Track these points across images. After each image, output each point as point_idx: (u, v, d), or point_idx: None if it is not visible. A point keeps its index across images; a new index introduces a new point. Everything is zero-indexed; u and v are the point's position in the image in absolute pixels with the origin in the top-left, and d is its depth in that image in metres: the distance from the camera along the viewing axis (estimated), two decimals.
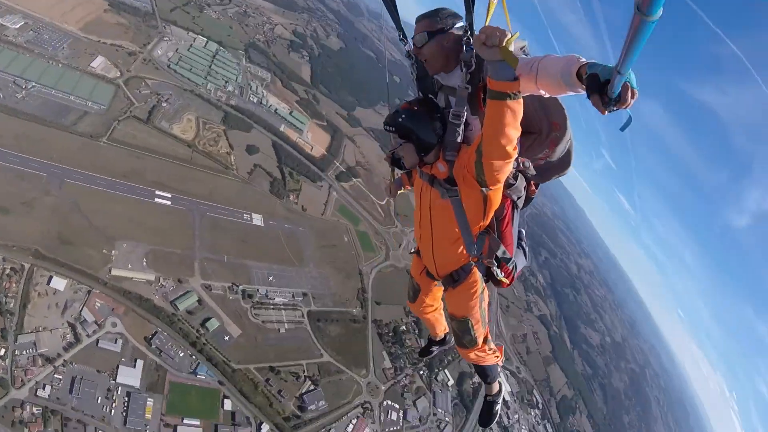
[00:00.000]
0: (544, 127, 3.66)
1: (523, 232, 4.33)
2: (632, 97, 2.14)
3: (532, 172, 3.83)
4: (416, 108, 3.65)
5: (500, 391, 5.30)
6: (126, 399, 40.34)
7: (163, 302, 46.44)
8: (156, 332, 44.44)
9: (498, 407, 5.34)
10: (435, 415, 62.47)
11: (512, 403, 75.86)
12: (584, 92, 2.37)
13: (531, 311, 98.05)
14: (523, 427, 75.21)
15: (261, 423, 46.44)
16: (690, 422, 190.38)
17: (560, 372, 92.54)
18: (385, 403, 57.44)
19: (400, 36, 3.82)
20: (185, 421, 42.43)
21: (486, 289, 4.28)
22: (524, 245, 4.30)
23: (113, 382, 40.61)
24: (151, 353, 43.52)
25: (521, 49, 3.05)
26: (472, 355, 4.54)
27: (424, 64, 3.67)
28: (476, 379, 70.13)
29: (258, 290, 54.26)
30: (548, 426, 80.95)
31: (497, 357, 4.75)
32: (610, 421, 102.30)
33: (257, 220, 61.03)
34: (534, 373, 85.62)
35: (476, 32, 3.08)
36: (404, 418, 58.53)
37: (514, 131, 2.87)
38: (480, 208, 3.61)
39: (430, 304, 5.08)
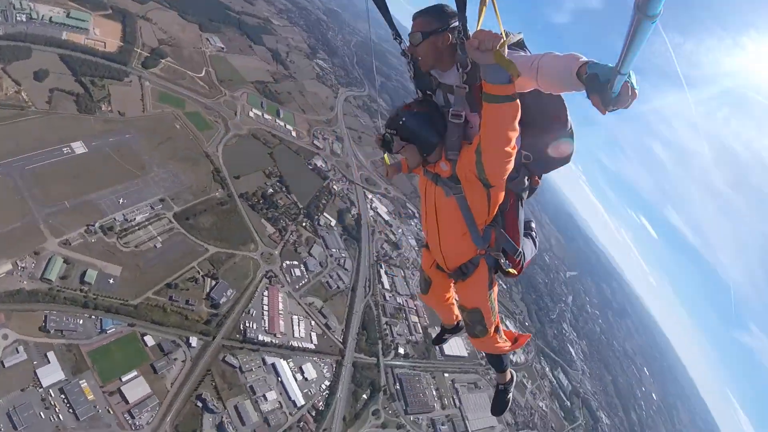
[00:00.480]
0: (545, 119, 3.65)
1: (532, 222, 4.48)
2: (632, 97, 2.16)
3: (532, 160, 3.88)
4: (417, 109, 3.68)
5: (512, 379, 5.33)
6: (63, 396, 37.47)
7: (34, 283, 40.93)
8: (45, 316, 39.85)
9: (510, 395, 5.41)
10: (331, 255, 67.00)
11: (392, 221, 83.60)
12: (584, 91, 2.37)
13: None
14: (409, 236, 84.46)
15: (188, 339, 46.46)
16: None
17: None
18: (284, 264, 59.78)
19: (393, 35, 3.90)
20: (124, 378, 41.17)
21: (495, 281, 4.29)
22: (533, 234, 4.48)
23: (41, 390, 37.03)
24: (54, 339, 39.52)
25: (516, 42, 3.05)
26: (483, 345, 4.53)
27: (417, 61, 3.71)
28: (355, 210, 75.22)
29: (115, 219, 49.65)
30: None
31: (509, 346, 4.68)
32: None
33: (79, 147, 52.80)
34: (402, 187, 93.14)
35: (469, 32, 3.17)
36: (306, 269, 62.03)
37: (511, 132, 2.93)
38: (484, 204, 3.65)
39: (443, 295, 5.10)
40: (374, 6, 3.75)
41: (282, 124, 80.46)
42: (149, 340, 44.29)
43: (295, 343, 54.30)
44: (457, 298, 4.40)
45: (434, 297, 5.04)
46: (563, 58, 2.66)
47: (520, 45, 3.32)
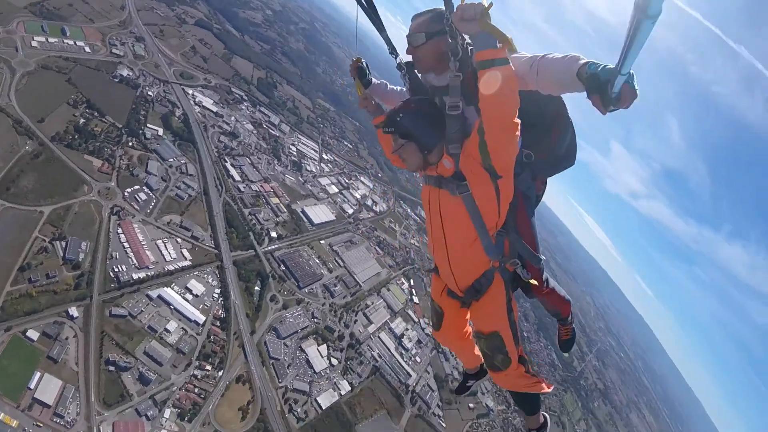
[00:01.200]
0: (545, 118, 3.57)
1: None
2: (632, 97, 2.15)
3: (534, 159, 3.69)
4: (413, 105, 3.49)
5: (545, 424, 4.49)
6: None
7: None
8: None
9: None
10: (171, 166, 62.63)
11: (222, 110, 78.81)
12: (584, 92, 2.37)
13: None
14: (244, 122, 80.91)
15: (67, 312, 42.82)
16: None
17: (242, 60, 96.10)
18: (125, 193, 55.04)
19: (390, 51, 3.90)
20: (31, 385, 37.77)
21: (514, 300, 3.83)
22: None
23: None
24: None
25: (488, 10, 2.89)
26: (508, 380, 3.91)
27: (414, 62, 3.61)
28: (179, 111, 69.02)
29: None
30: (264, 110, 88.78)
31: (540, 384, 3.99)
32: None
33: None
34: (221, 72, 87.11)
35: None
36: (151, 190, 57.72)
37: (511, 100, 2.81)
38: (493, 200, 3.37)
39: (459, 330, 4.45)
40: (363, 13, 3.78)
41: (71, 42, 67.12)
42: (32, 334, 40.14)
43: (170, 267, 52.56)
44: (474, 326, 3.96)
45: (449, 332, 4.43)
46: (563, 59, 2.68)
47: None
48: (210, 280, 55.03)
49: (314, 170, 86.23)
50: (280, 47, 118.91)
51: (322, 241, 72.18)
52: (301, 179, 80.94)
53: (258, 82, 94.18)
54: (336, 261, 71.14)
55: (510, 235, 3.65)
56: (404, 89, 4.05)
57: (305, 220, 72.66)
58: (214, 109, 77.58)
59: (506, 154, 3.13)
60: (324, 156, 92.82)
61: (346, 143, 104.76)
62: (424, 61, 3.48)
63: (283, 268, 62.89)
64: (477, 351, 4.58)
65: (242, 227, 62.86)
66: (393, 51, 3.89)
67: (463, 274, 3.72)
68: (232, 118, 78.96)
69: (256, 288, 58.26)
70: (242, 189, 68.65)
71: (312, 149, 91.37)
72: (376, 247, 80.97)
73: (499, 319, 3.70)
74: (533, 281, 3.70)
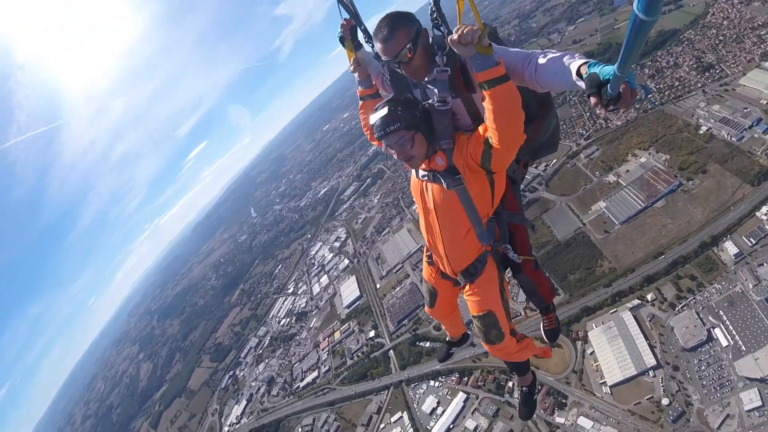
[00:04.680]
0: (529, 107, 3.49)
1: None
2: (632, 97, 2.16)
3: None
4: (404, 98, 3.36)
5: (535, 379, 5.17)
6: None
7: None
8: None
9: (536, 396, 5.32)
10: None
11: None
12: (584, 90, 2.35)
13: None
14: None
15: None
16: None
17: None
18: None
19: (366, 39, 3.80)
20: None
21: (506, 279, 4.10)
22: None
23: None
24: None
25: (489, 33, 2.79)
26: (501, 352, 4.22)
27: (411, 75, 3.36)
28: None
29: None
30: None
31: (527, 350, 4.45)
32: None
33: None
34: None
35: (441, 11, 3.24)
36: None
37: (517, 114, 2.87)
38: (487, 192, 3.50)
39: (450, 307, 4.75)
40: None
41: None
42: None
43: None
44: (468, 305, 4.09)
45: (441, 309, 4.70)
46: (562, 57, 2.71)
47: (493, 35, 3.34)
48: None
49: None
50: None
51: None
52: None
53: None
54: None
55: (500, 221, 3.82)
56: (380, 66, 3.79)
57: None
58: None
59: (508, 160, 3.24)
60: None
61: None
62: (420, 68, 3.31)
63: None
64: (461, 323, 5.21)
65: None
66: (370, 40, 3.68)
67: (457, 259, 3.84)
68: None
69: None
70: None
71: None
72: None
73: (492, 299, 3.89)
74: (525, 258, 4.08)
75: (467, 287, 3.96)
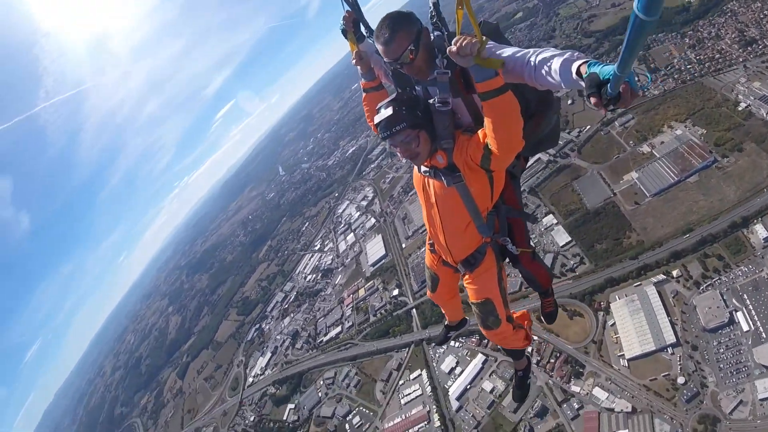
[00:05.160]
0: (529, 104, 3.56)
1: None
2: (632, 97, 2.14)
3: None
4: (407, 97, 3.40)
5: (529, 364, 5.41)
6: None
7: None
8: None
9: (530, 380, 5.53)
10: None
11: None
12: (584, 90, 2.33)
13: None
14: None
15: None
16: None
17: None
18: None
19: (368, 35, 3.82)
20: None
21: (504, 268, 4.20)
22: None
23: None
24: None
25: (493, 29, 3.02)
26: (498, 337, 4.38)
27: (414, 75, 3.44)
28: None
29: None
30: None
31: (523, 340, 4.66)
32: None
33: None
34: None
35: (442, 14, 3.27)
36: None
37: (516, 123, 2.96)
38: (486, 188, 3.58)
39: (451, 292, 4.95)
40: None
41: None
42: None
43: None
44: (468, 292, 4.22)
45: (443, 294, 4.92)
46: (562, 56, 2.69)
47: (495, 32, 3.42)
48: None
49: None
50: None
51: None
52: None
53: None
54: None
55: (500, 214, 3.91)
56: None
57: None
58: None
59: (507, 162, 3.33)
60: None
61: None
62: (423, 67, 3.36)
63: None
64: (460, 308, 5.38)
65: None
66: (372, 35, 3.78)
67: (458, 250, 3.97)
68: None
69: None
70: None
71: None
72: None
73: (491, 288, 4.05)
74: (523, 249, 4.18)
75: (467, 276, 4.09)
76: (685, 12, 60.35)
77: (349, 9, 3.83)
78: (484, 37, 2.68)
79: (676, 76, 53.94)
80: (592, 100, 2.23)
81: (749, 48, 51.00)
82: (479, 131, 3.17)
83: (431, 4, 3.33)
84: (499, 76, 2.77)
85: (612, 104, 2.19)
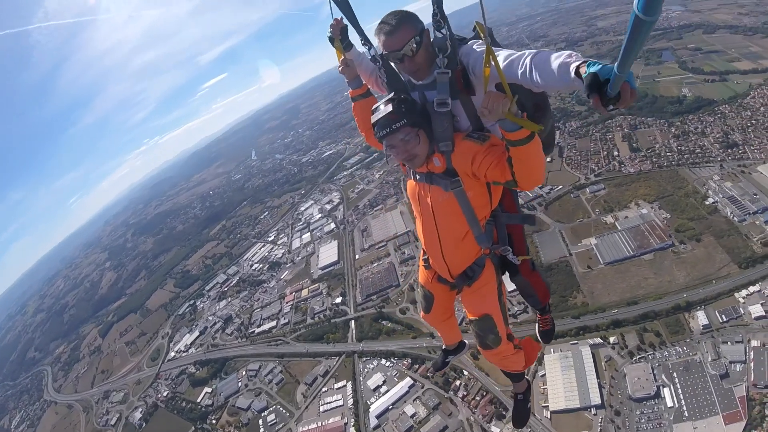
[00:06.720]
0: (525, 107, 3.37)
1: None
2: (632, 97, 2.14)
3: None
4: (404, 96, 3.35)
5: (529, 386, 5.18)
6: None
7: None
8: None
9: (530, 404, 5.28)
10: None
11: None
12: (583, 90, 2.30)
13: None
14: None
15: None
16: None
17: None
18: None
19: (363, 42, 3.70)
20: None
21: (503, 283, 4.04)
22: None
23: None
24: None
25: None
26: (498, 357, 4.19)
27: (412, 73, 3.39)
28: None
29: None
30: None
31: (523, 363, 4.44)
32: None
33: None
34: None
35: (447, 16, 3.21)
36: None
37: (541, 163, 3.03)
38: (485, 196, 3.53)
39: (446, 312, 4.69)
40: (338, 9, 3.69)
41: None
42: None
43: None
44: (465, 309, 4.04)
45: (437, 315, 4.62)
46: (560, 57, 2.64)
47: (490, 37, 3.39)
48: None
49: None
50: None
51: None
52: None
53: None
54: None
55: (498, 222, 3.78)
56: (376, 66, 3.79)
57: None
58: None
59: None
60: None
61: None
62: (423, 66, 3.34)
63: None
64: (457, 330, 5.12)
65: None
66: (366, 42, 3.73)
67: (456, 262, 3.81)
68: None
69: None
70: None
71: None
72: None
73: (490, 303, 3.87)
74: (523, 258, 4.03)
75: (464, 291, 3.97)
76: (678, 104, 64.43)
77: (337, 17, 3.82)
78: (514, 95, 2.71)
79: (654, 160, 56.57)
80: (593, 100, 2.22)
81: (729, 150, 53.99)
82: (501, 155, 3.09)
83: (434, 3, 3.22)
84: (525, 129, 2.79)
85: (612, 104, 2.19)
